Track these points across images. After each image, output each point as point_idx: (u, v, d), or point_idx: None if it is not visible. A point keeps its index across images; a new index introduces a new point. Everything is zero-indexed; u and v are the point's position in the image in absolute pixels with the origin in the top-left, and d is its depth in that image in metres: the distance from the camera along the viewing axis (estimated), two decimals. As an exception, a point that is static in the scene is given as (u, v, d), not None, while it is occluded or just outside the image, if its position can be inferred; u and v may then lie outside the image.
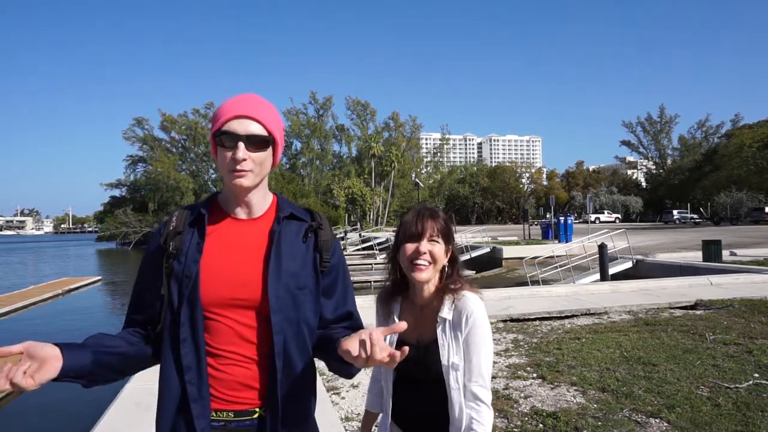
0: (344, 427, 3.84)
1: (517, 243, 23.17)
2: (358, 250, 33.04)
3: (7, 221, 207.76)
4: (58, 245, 72.46)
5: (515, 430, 3.79)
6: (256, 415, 1.28)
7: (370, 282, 18.08)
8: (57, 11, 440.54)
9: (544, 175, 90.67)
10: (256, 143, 1.28)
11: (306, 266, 1.34)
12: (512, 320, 7.69)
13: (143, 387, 4.47)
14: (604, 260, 14.01)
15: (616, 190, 71.37)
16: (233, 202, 1.35)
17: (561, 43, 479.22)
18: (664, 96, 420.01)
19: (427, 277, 1.52)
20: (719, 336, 6.21)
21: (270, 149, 1.32)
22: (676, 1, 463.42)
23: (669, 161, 76.08)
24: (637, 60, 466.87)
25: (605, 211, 63.04)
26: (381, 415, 1.68)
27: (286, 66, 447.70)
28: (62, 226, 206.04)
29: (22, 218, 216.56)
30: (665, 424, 3.76)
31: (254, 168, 1.28)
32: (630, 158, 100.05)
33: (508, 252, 20.16)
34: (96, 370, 1.18)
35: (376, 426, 1.76)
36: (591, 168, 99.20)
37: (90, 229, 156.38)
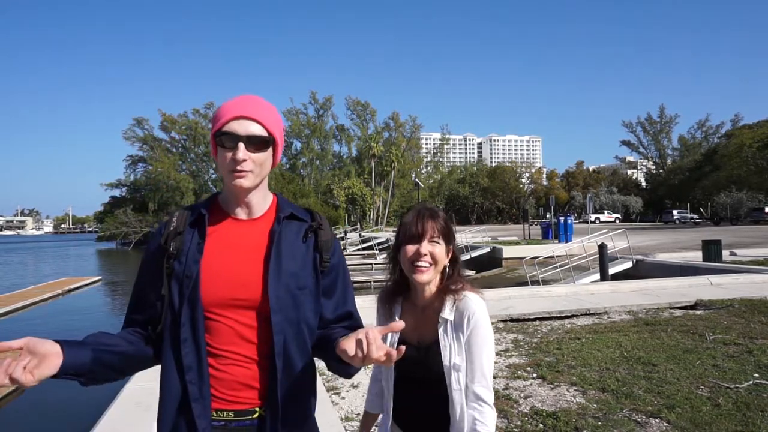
0: (344, 427, 3.84)
1: (517, 243, 23.18)
2: (358, 250, 33.05)
3: (7, 221, 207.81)
4: (58, 245, 72.48)
5: (515, 430, 3.79)
6: (256, 415, 1.28)
7: (370, 282, 18.09)
8: (57, 11, 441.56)
9: (544, 175, 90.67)
10: (257, 144, 1.28)
11: (306, 266, 1.35)
12: (512, 320, 7.69)
13: (143, 387, 4.48)
14: (604, 260, 14.01)
15: (616, 190, 71.38)
16: (233, 202, 1.36)
17: (561, 43, 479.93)
18: (664, 96, 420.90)
19: (428, 278, 1.52)
20: (719, 336, 6.21)
21: (270, 150, 1.32)
22: (676, 1, 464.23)
23: (669, 161, 76.09)
24: (637, 60, 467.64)
25: (605, 211, 63.05)
26: (381, 415, 1.68)
27: (286, 66, 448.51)
28: (62, 226, 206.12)
29: (22, 218, 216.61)
30: (665, 424, 3.76)
31: (254, 168, 1.28)
32: (630, 158, 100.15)
33: (508, 252, 20.16)
34: (95, 369, 1.18)
35: (376, 426, 1.76)
36: (591, 168, 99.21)
37: (90, 229, 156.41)
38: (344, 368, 1.31)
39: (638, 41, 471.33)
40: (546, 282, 14.36)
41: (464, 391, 1.45)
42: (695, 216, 55.34)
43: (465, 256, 19.99)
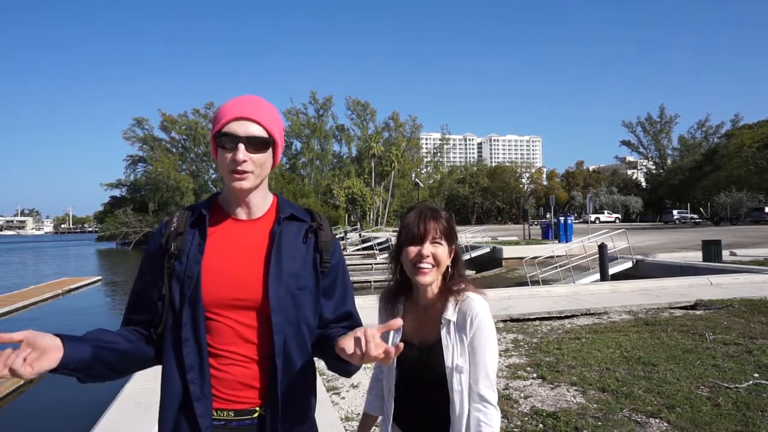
0: (344, 427, 3.84)
1: (517, 243, 23.18)
2: (358, 250, 33.05)
3: (7, 221, 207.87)
4: (58, 245, 72.49)
5: (515, 430, 3.79)
6: (256, 414, 1.29)
7: (370, 282, 18.10)
8: (57, 11, 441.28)
9: (544, 175, 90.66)
10: (257, 145, 1.28)
11: (306, 267, 1.35)
12: (512, 320, 7.69)
13: (143, 387, 4.48)
14: (604, 260, 14.01)
15: (616, 190, 71.38)
16: (234, 202, 1.36)
17: (561, 43, 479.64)
18: (664, 96, 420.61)
19: (431, 280, 1.51)
20: (719, 336, 6.21)
21: (270, 151, 1.33)
22: (676, 1, 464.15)
23: (669, 161, 76.09)
24: (637, 60, 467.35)
25: (605, 211, 63.05)
26: (381, 416, 1.67)
27: (286, 66, 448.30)
28: (62, 226, 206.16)
29: (22, 218, 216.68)
30: (665, 424, 3.76)
31: (254, 169, 1.29)
32: (630, 158, 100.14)
33: (508, 252, 20.17)
34: (94, 365, 1.17)
35: (377, 426, 1.75)
36: (591, 168, 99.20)
37: (90, 229, 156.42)
38: (344, 367, 1.31)
39: (638, 41, 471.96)
40: (546, 282, 14.36)
41: (466, 392, 1.44)
42: (695, 216, 55.35)
43: (465, 256, 19.98)
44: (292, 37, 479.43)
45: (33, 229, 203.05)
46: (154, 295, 1.31)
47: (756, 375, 4.71)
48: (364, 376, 5.04)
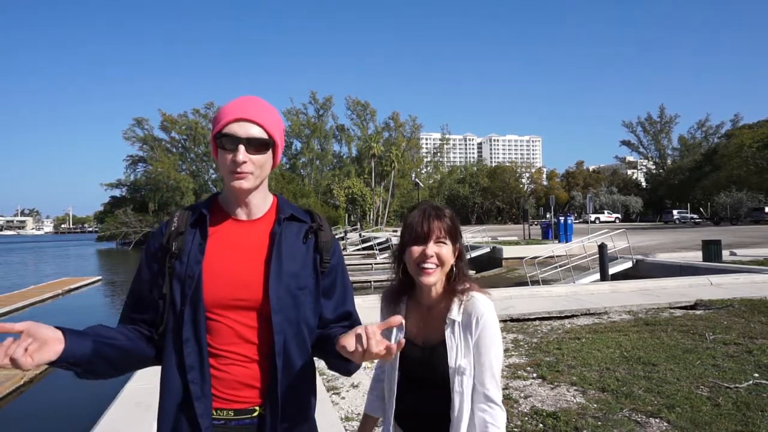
0: (344, 427, 3.84)
1: (517, 243, 23.18)
2: (358, 250, 33.06)
3: (8, 221, 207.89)
4: (58, 245, 72.49)
5: (515, 430, 3.79)
6: (255, 414, 1.29)
7: (370, 282, 18.10)
8: (57, 11, 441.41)
9: (544, 175, 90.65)
10: (257, 146, 1.29)
11: (306, 267, 1.36)
12: (512, 320, 7.69)
13: (143, 387, 4.48)
14: (604, 260, 14.01)
15: (616, 190, 71.38)
16: (234, 203, 1.36)
17: (561, 43, 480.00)
18: (664, 96, 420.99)
19: (435, 280, 1.49)
20: (719, 336, 6.21)
21: (270, 152, 1.33)
22: (676, 1, 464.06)
23: (669, 161, 76.09)
24: (637, 60, 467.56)
25: (605, 211, 63.05)
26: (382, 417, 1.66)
27: (286, 66, 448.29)
28: (62, 226, 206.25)
29: (23, 218, 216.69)
30: (665, 424, 3.76)
31: (254, 170, 1.29)
32: (630, 158, 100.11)
33: (508, 252, 20.17)
34: (94, 360, 1.17)
35: (377, 427, 1.74)
36: (591, 168, 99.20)
37: (90, 229, 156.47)
38: (344, 365, 1.32)
39: (638, 41, 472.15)
40: (546, 282, 14.35)
41: (467, 393, 1.44)
42: (695, 216, 55.35)
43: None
44: (292, 37, 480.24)
45: (33, 229, 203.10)
46: (154, 294, 1.31)
47: (756, 375, 4.71)
48: (364, 376, 5.04)
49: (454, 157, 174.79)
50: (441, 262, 1.48)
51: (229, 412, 1.28)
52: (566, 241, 21.54)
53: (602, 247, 14.16)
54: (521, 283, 14.72)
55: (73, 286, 18.84)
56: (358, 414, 4.22)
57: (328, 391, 4.77)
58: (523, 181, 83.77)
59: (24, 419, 6.56)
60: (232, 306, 1.28)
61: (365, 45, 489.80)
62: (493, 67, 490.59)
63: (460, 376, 1.44)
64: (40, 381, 7.60)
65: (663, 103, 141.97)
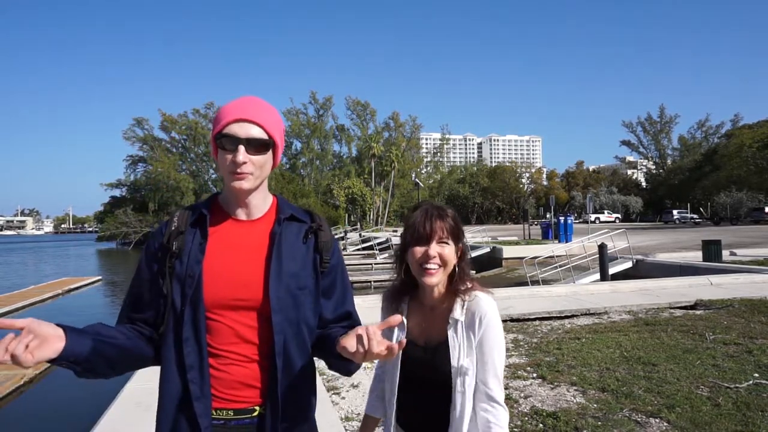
0: (344, 427, 3.84)
1: (517, 243, 23.19)
2: (358, 250, 33.05)
3: (8, 221, 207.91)
4: (58, 245, 72.49)
5: (515, 430, 3.79)
6: (255, 413, 1.29)
7: (370, 282, 18.11)
8: (57, 11, 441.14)
9: (544, 175, 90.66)
10: (257, 146, 1.29)
11: (306, 267, 1.36)
12: (512, 320, 7.69)
13: (143, 387, 4.48)
14: (604, 260, 14.01)
15: (616, 190, 71.40)
16: (234, 203, 1.36)
17: (561, 43, 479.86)
18: (664, 96, 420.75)
19: (438, 280, 1.48)
20: (719, 336, 6.21)
21: (270, 152, 1.33)
22: (676, 1, 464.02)
23: (669, 161, 76.10)
24: (637, 60, 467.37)
25: (605, 211, 63.06)
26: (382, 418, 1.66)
27: (286, 66, 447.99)
28: (62, 226, 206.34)
29: (23, 218, 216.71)
30: (665, 424, 3.76)
31: (254, 171, 1.29)
32: (630, 158, 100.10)
33: (508, 252, 20.18)
34: (93, 359, 1.17)
35: (378, 427, 1.74)
36: (591, 168, 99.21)
37: (90, 229, 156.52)
38: (345, 365, 1.32)
39: (638, 41, 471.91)
40: (546, 282, 14.35)
41: (468, 394, 1.43)
42: (695, 216, 55.36)
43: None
44: (292, 37, 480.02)
45: (33, 229, 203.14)
46: (154, 293, 1.31)
47: (756, 375, 4.71)
48: (364, 376, 5.04)
49: (454, 157, 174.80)
50: (443, 263, 1.47)
51: (229, 412, 1.28)
52: (566, 241, 21.54)
53: (602, 247, 14.16)
54: (521, 283, 14.72)
55: (73, 286, 18.85)
56: (358, 414, 4.22)
57: (328, 391, 4.77)
58: (523, 181, 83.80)
59: (24, 419, 6.56)
60: (232, 306, 1.28)
61: (365, 45, 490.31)
62: (493, 67, 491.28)
63: (462, 376, 1.43)
64: (40, 381, 7.59)
65: (663, 103, 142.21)
